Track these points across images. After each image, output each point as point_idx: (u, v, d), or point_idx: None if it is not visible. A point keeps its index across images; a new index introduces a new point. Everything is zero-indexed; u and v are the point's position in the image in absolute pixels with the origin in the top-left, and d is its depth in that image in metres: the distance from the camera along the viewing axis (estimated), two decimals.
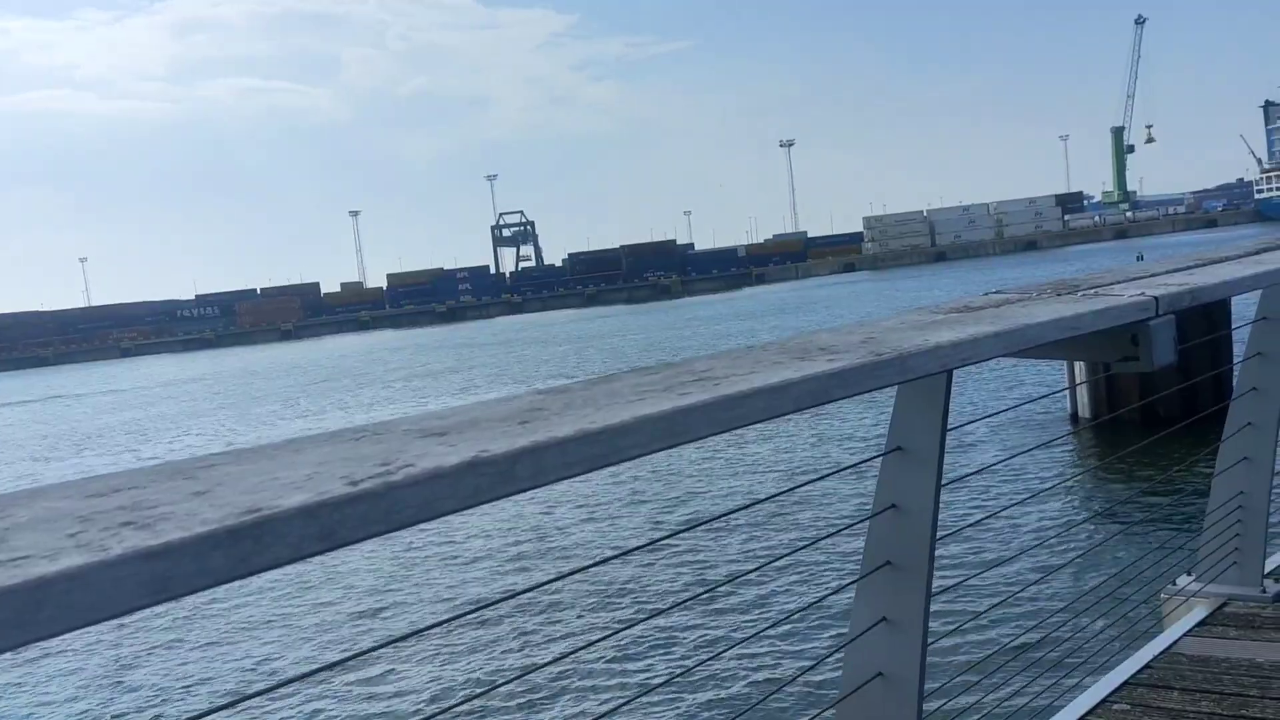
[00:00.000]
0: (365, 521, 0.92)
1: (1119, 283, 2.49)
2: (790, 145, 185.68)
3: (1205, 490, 4.47)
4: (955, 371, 2.32)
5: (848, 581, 2.82)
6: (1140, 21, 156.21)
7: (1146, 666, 3.83)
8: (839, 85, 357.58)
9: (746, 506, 13.68)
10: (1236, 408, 4.32)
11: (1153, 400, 16.73)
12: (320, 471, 0.96)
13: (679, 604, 10.20)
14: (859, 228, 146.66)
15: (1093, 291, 2.38)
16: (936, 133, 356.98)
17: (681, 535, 12.94)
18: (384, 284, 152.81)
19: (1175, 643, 4.01)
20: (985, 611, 7.58)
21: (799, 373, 1.43)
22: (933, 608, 2.79)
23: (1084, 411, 18.79)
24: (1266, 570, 4.42)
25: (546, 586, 11.24)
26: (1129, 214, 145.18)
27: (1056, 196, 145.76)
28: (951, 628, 7.22)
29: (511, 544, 14.76)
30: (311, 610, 12.72)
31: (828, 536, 10.39)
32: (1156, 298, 2.25)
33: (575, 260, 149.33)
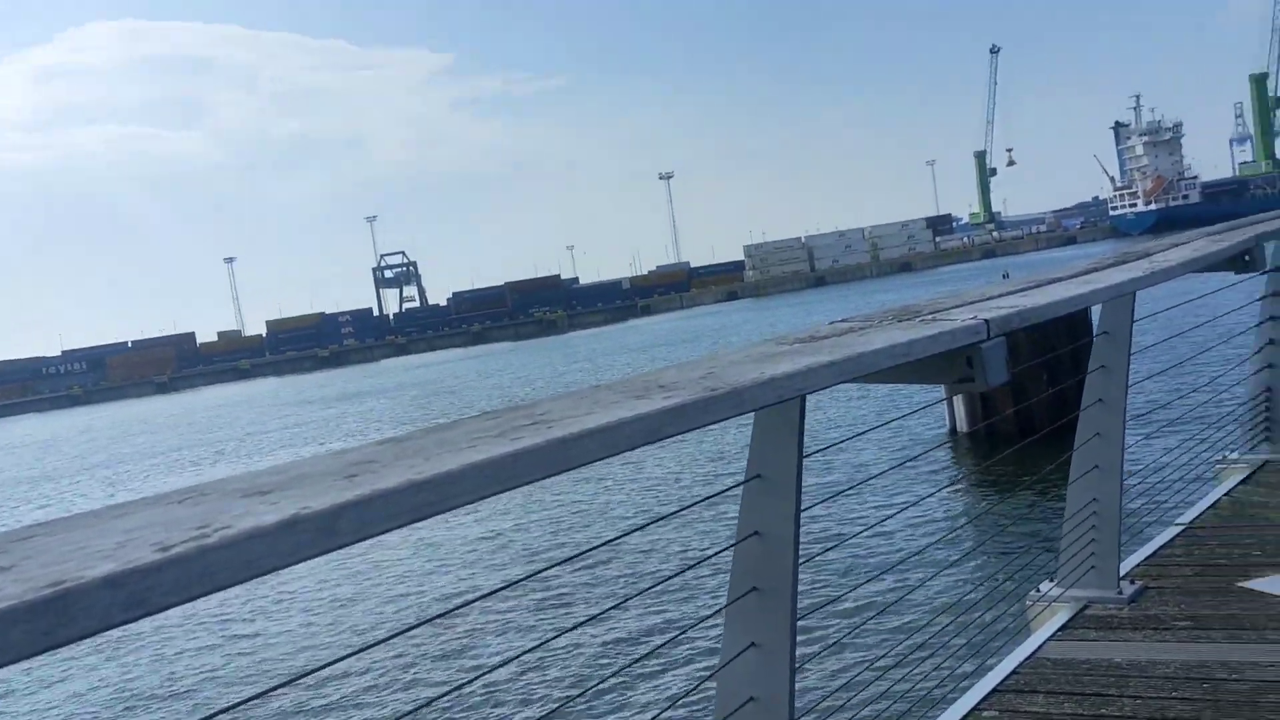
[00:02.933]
0: (178, 587, 0.92)
1: (955, 307, 2.60)
2: (669, 177, 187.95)
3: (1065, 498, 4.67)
4: (832, 392, 2.39)
5: (717, 608, 2.87)
6: (995, 51, 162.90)
7: (1013, 673, 3.97)
8: (715, 117, 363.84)
9: (612, 540, 13.72)
10: (1085, 419, 4.52)
11: (1025, 410, 17.37)
12: (133, 538, 0.96)
13: (545, 640, 10.14)
14: (740, 256, 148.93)
15: (931, 316, 2.49)
16: (811, 161, 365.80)
17: (552, 569, 12.89)
18: (264, 331, 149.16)
19: (1040, 648, 4.16)
20: (855, 630, 7.73)
21: (633, 411, 1.47)
22: (802, 630, 2.86)
23: (961, 425, 19.40)
24: (1122, 573, 4.62)
25: (407, 634, 11.05)
26: (995, 234, 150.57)
27: (927, 219, 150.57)
28: (822, 649, 7.35)
29: (344, 598, 14.42)
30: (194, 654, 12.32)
31: (696, 565, 10.45)
32: (988, 320, 2.36)
33: (460, 299, 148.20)
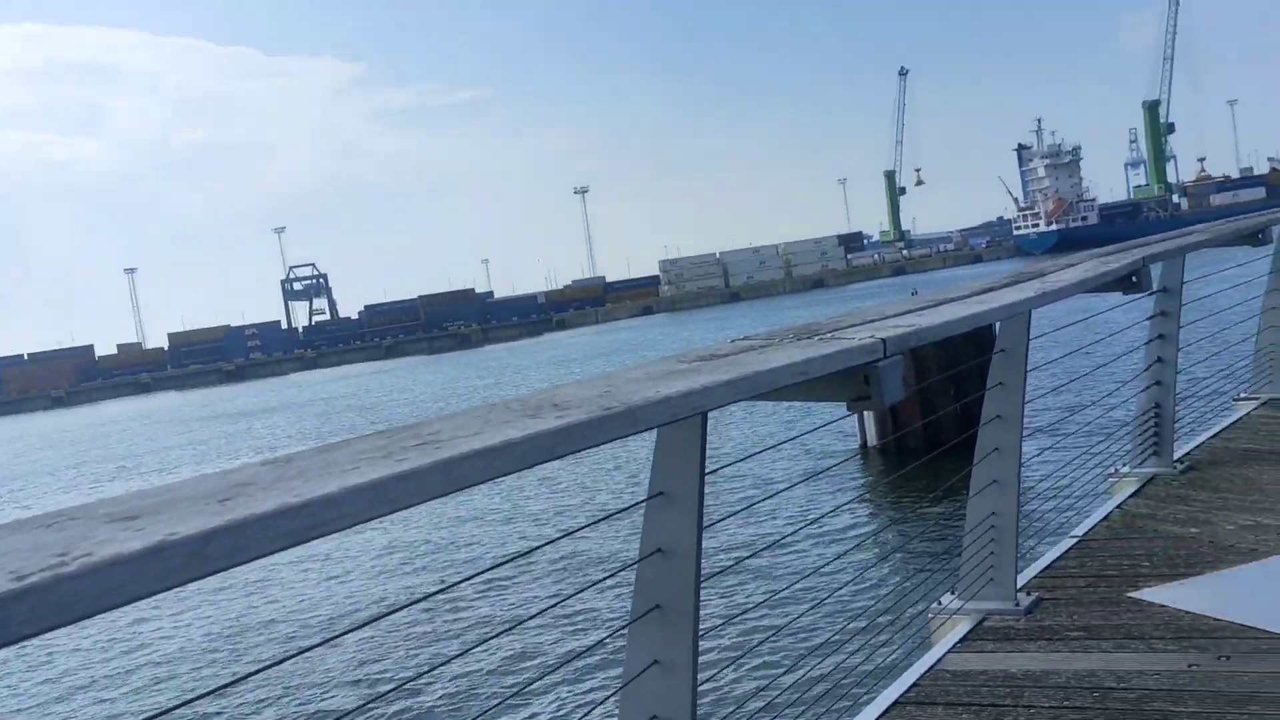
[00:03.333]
0: (33, 617, 0.89)
1: (854, 326, 2.64)
2: (585, 192, 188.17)
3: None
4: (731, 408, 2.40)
5: (620, 626, 2.87)
6: (904, 73, 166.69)
7: (914, 685, 4.03)
8: (631, 133, 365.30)
9: (515, 557, 13.61)
10: (984, 434, 4.63)
11: (933, 423, 17.70)
12: None
13: (446, 660, 10.00)
14: (656, 271, 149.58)
15: (830, 335, 2.52)
16: (726, 178, 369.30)
17: (454, 587, 12.73)
18: (165, 344, 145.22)
19: (940, 659, 4.23)
20: (758, 645, 7.77)
21: (524, 431, 1.46)
22: (705, 647, 2.87)
23: (871, 439, 19.70)
24: (1019, 585, 4.73)
25: (299, 657, 10.78)
26: (905, 252, 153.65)
27: (839, 236, 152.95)
28: (725, 665, 7.37)
29: (235, 618, 14.08)
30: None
31: (600, 582, 10.41)
32: (884, 339, 2.40)
33: (372, 312, 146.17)
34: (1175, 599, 4.43)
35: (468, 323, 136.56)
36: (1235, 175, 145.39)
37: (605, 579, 9.59)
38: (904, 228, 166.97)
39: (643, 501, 2.72)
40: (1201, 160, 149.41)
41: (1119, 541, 5.32)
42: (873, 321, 2.73)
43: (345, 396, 61.50)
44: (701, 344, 2.85)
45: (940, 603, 4.73)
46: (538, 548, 14.43)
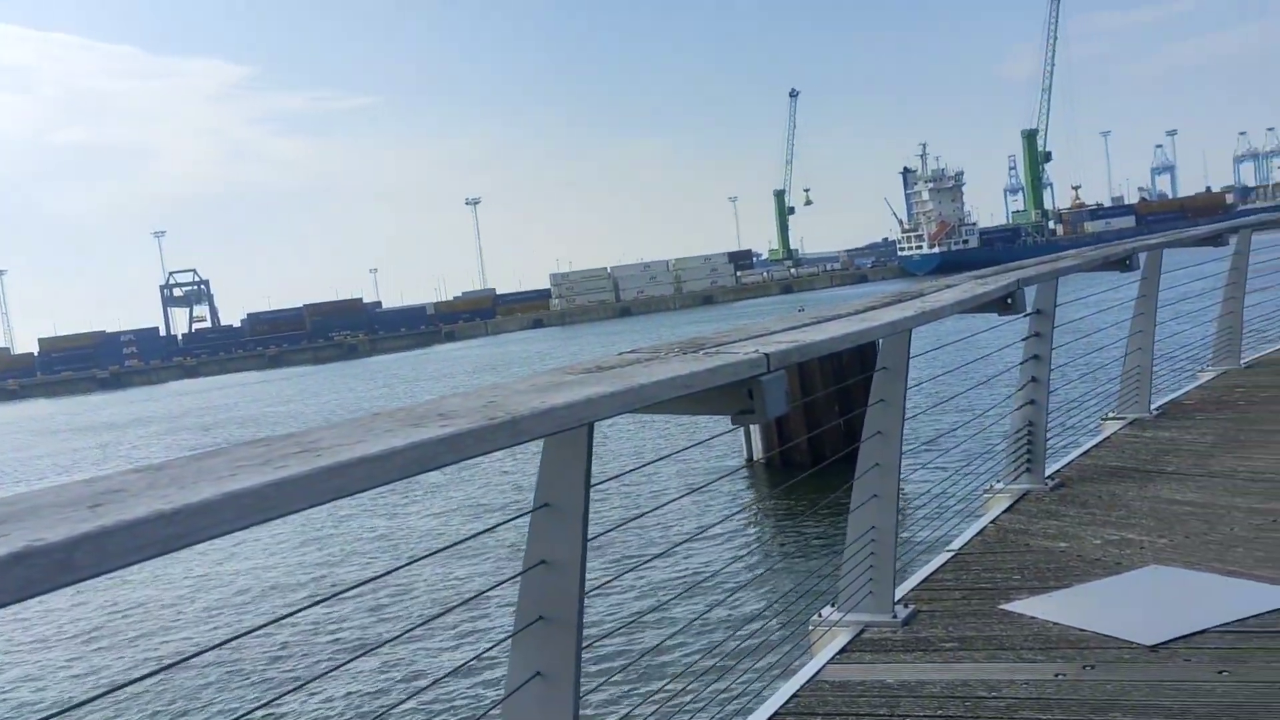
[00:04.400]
0: None
1: (739, 341, 2.69)
2: (477, 203, 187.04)
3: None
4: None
5: (504, 638, 2.86)
6: (794, 94, 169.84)
7: (794, 696, 4.10)
8: (524, 146, 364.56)
9: (399, 568, 13.38)
10: (865, 449, 4.74)
11: (818, 437, 18.01)
12: None
13: (327, 671, 9.77)
14: (547, 284, 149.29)
15: (715, 349, 2.56)
16: (619, 193, 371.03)
17: (336, 597, 12.44)
18: (35, 349, 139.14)
19: (820, 671, 4.31)
20: (641, 657, 7.78)
21: (407, 440, 1.45)
22: (589, 659, 2.88)
23: (758, 452, 19.94)
24: (897, 597, 4.86)
25: (168, 670, 10.43)
26: (793, 270, 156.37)
27: (729, 254, 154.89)
28: (608, 678, 7.35)
29: (92, 633, 13.57)
30: None
31: (484, 593, 10.26)
32: (768, 354, 2.45)
33: (255, 320, 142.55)
34: (1044, 611, 4.59)
35: (355, 333, 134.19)
36: (1107, 204, 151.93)
37: (489, 590, 9.47)
38: (793, 247, 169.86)
39: (528, 513, 2.72)
40: (1076, 188, 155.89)
41: (992, 555, 5.49)
42: (757, 337, 2.78)
43: (225, 407, 59.77)
44: (591, 357, 2.86)
45: (821, 615, 4.82)
46: (420, 559, 14.19)
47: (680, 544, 12.78)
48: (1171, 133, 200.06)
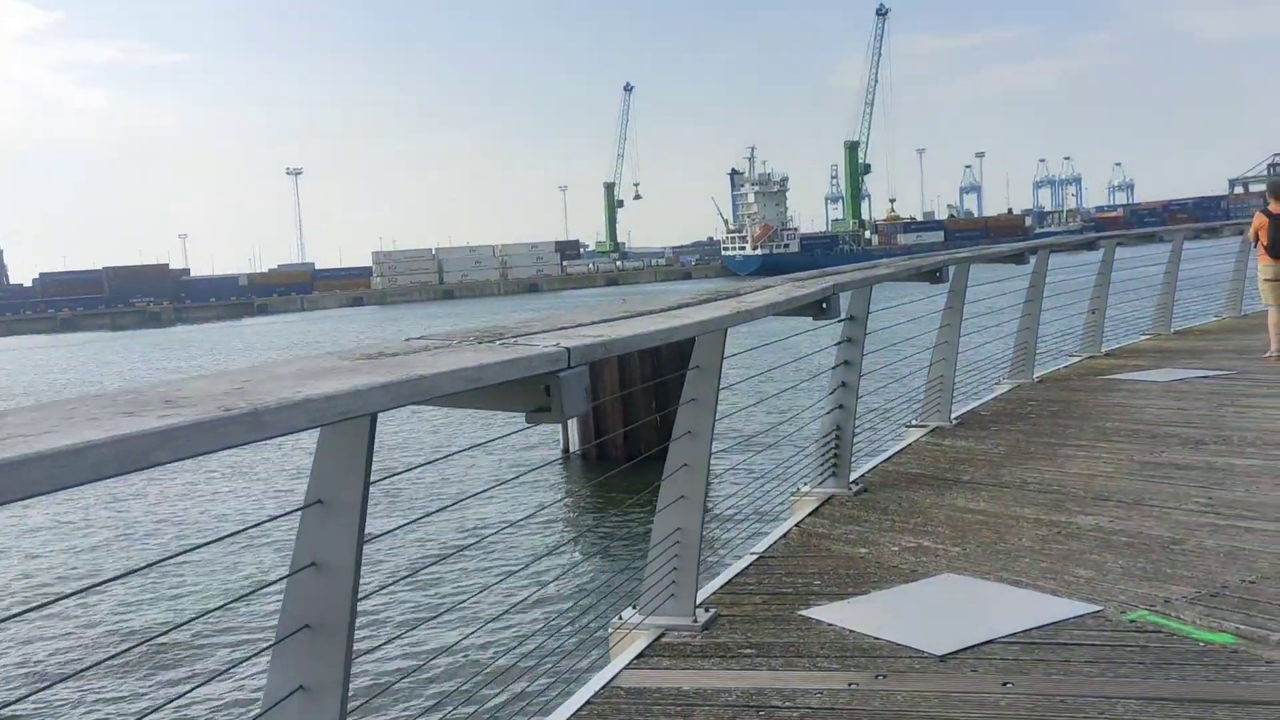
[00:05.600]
0: None
1: (543, 332, 2.50)
2: (298, 174, 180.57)
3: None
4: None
5: (265, 647, 2.59)
6: (628, 89, 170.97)
7: (588, 702, 3.95)
8: (350, 120, 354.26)
9: (150, 565, 12.28)
10: (675, 449, 4.63)
11: (635, 433, 17.96)
12: None
13: (62, 678, 8.87)
14: (369, 262, 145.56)
15: (514, 340, 2.36)
16: (448, 174, 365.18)
17: (75, 597, 11.36)
18: None
19: (616, 676, 4.17)
20: (423, 667, 7.40)
21: (109, 432, 1.20)
22: (363, 670, 2.63)
23: (574, 445, 19.71)
24: (698, 601, 4.77)
25: None
26: (619, 263, 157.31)
27: (556, 243, 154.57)
28: (384, 690, 6.89)
29: None
30: None
31: (246, 597, 9.48)
32: (569, 349, 2.26)
33: (47, 281, 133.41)
34: (842, 618, 4.59)
35: (159, 300, 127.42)
36: (919, 218, 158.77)
37: (250, 594, 8.76)
38: (620, 240, 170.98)
39: (297, 510, 2.46)
40: (893, 201, 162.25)
41: (795, 559, 5.49)
42: (563, 329, 2.60)
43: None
44: (376, 341, 2.61)
45: (621, 617, 4.69)
46: (170, 558, 12.96)
47: (478, 542, 12.19)
48: (980, 155, 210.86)
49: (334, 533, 2.43)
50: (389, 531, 8.84)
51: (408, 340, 2.32)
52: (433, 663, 7.58)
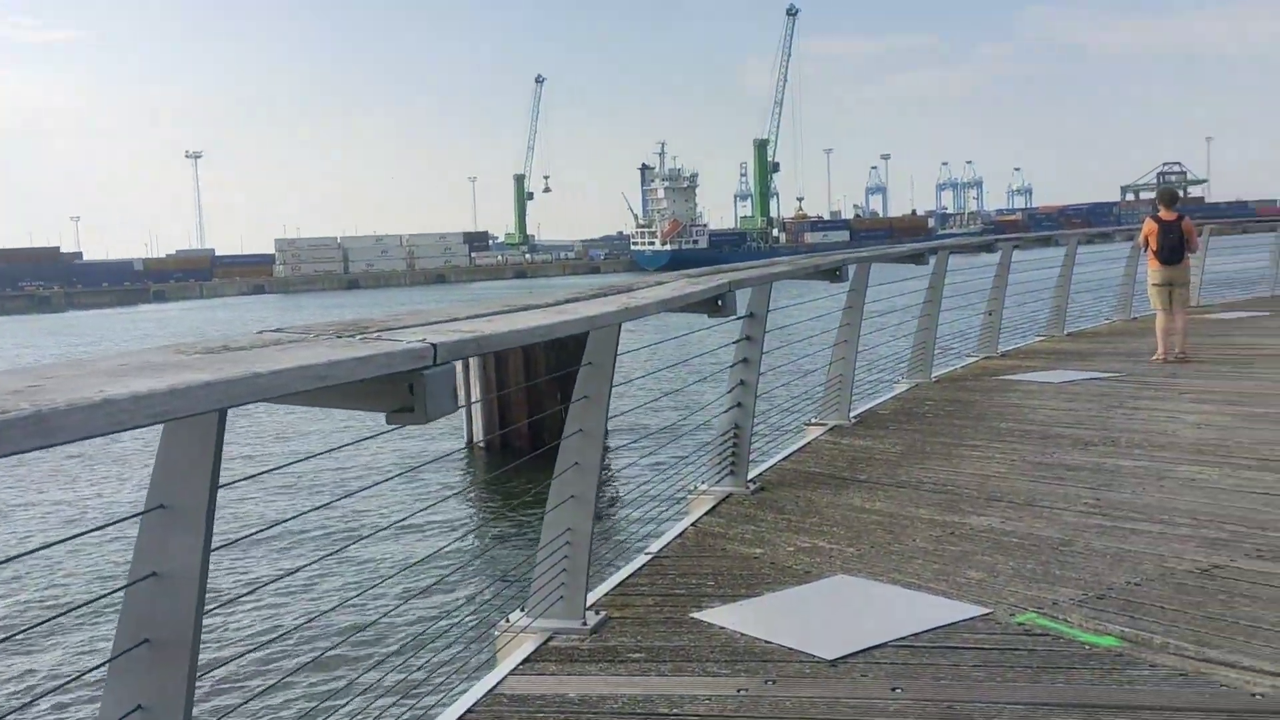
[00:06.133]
0: None
1: (411, 326, 2.34)
2: (198, 157, 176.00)
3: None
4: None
5: (101, 662, 2.39)
6: (540, 81, 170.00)
7: (470, 710, 3.79)
8: (253, 103, 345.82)
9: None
10: (566, 447, 4.49)
11: (538, 425, 17.66)
12: None
13: None
14: (272, 250, 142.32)
15: (377, 335, 2.19)
16: (356, 162, 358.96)
17: None
18: None
19: (500, 682, 4.03)
20: (281, 682, 7.01)
21: None
22: (217, 687, 2.44)
23: (478, 437, 19.24)
24: (589, 603, 4.65)
25: None
26: (528, 256, 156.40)
27: (465, 234, 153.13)
28: (239, 705, 6.45)
29: None
30: None
31: (80, 608, 8.75)
32: (435, 345, 2.11)
33: None
34: (734, 620, 4.50)
35: (49, 284, 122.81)
36: (827, 217, 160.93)
37: (84, 605, 8.01)
38: (530, 233, 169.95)
39: (137, 515, 2.27)
40: (800, 200, 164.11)
41: (689, 560, 5.40)
42: (434, 324, 2.44)
43: None
44: (234, 333, 2.41)
45: (509, 620, 4.54)
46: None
47: (355, 544, 11.47)
48: (885, 157, 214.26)
49: (177, 540, 2.24)
50: (248, 535, 8.29)
51: (260, 333, 2.15)
52: (293, 677, 7.18)
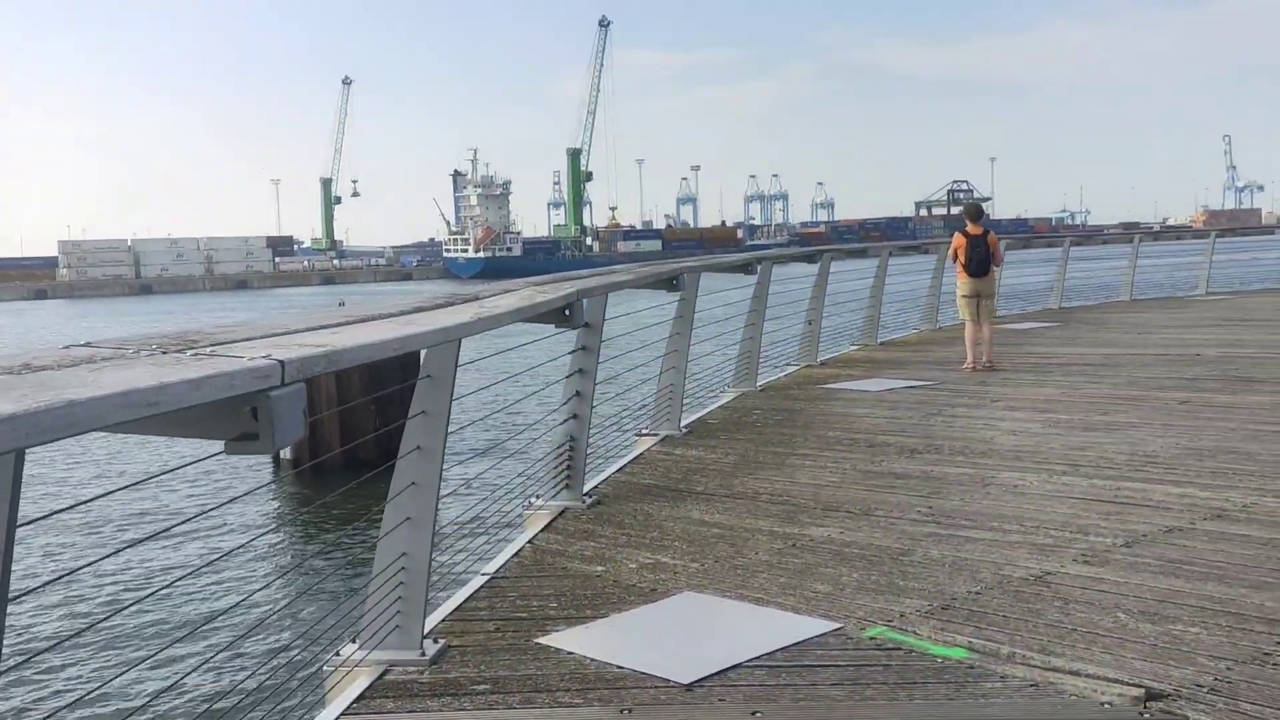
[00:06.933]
0: None
1: (246, 340, 2.04)
2: None
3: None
4: None
5: None
6: (347, 82, 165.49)
7: None
8: (30, 92, 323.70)
9: None
10: (402, 467, 4.20)
11: (354, 446, 16.92)
12: None
13: None
14: (55, 252, 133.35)
15: (210, 351, 1.89)
16: (148, 160, 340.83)
17: None
18: None
19: None
20: None
21: None
22: None
23: (285, 454, 18.33)
24: (426, 630, 4.35)
25: None
26: (336, 262, 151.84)
27: (269, 238, 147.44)
28: None
29: None
30: None
31: None
32: (283, 362, 1.83)
33: None
34: (581, 645, 4.30)
35: None
36: (639, 226, 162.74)
37: None
38: (337, 238, 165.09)
39: None
40: (614, 209, 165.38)
41: (530, 580, 5.17)
42: (273, 336, 2.14)
43: None
44: (92, 336, 2.04)
45: (339, 653, 4.20)
46: None
47: (162, 587, 10.50)
48: (695, 168, 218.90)
49: None
50: (37, 588, 7.37)
51: (66, 348, 1.81)
52: None
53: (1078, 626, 4.24)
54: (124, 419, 1.48)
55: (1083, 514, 5.88)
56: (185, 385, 1.59)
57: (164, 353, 1.82)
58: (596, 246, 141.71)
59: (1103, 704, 3.57)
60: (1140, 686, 3.65)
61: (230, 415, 1.79)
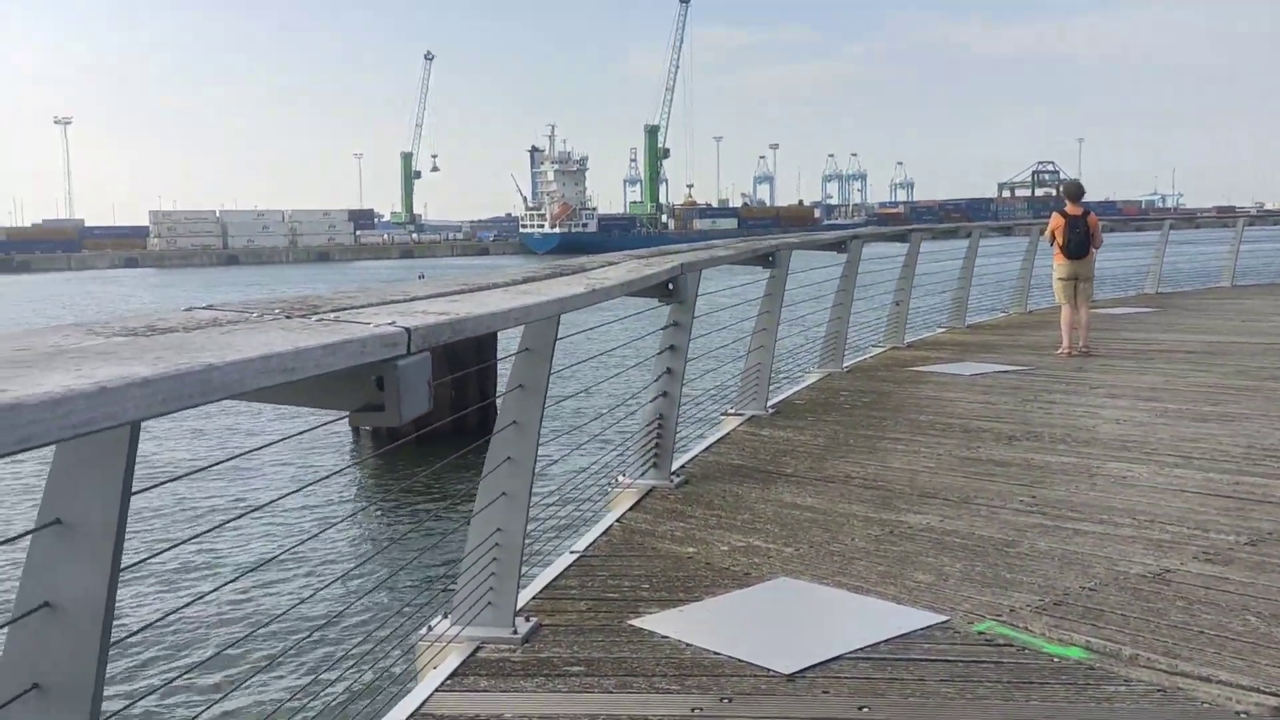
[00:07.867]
0: None
1: (368, 306, 1.94)
2: (67, 123, 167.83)
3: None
4: None
5: None
6: (429, 58, 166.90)
7: None
8: (128, 69, 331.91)
9: None
10: (498, 442, 4.11)
11: (461, 416, 16.75)
12: None
13: None
14: (146, 221, 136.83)
15: (334, 316, 1.80)
16: (235, 134, 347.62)
17: None
18: None
19: (427, 700, 3.64)
20: (200, 715, 6.41)
21: None
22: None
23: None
24: (518, 608, 4.28)
25: None
26: (414, 235, 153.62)
27: (350, 211, 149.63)
28: None
29: None
30: None
31: None
32: (409, 329, 1.73)
33: None
34: (676, 629, 4.19)
35: None
36: (715, 204, 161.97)
37: None
38: (416, 212, 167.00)
39: (27, 534, 1.84)
40: (690, 186, 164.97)
41: (619, 559, 5.07)
42: (395, 303, 2.05)
43: None
44: (187, 303, 1.96)
45: (431, 628, 4.14)
46: None
47: (270, 559, 10.70)
48: (774, 146, 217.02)
49: (78, 563, 1.82)
50: (150, 557, 7.39)
51: (189, 310, 1.73)
52: (213, 704, 6.56)
53: (1205, 629, 4.01)
54: (262, 384, 1.38)
55: (1199, 509, 5.61)
56: (321, 350, 1.49)
57: (288, 317, 1.73)
58: (672, 224, 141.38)
59: (1238, 714, 3.36)
60: (1279, 696, 3.43)
61: (355, 384, 1.70)
